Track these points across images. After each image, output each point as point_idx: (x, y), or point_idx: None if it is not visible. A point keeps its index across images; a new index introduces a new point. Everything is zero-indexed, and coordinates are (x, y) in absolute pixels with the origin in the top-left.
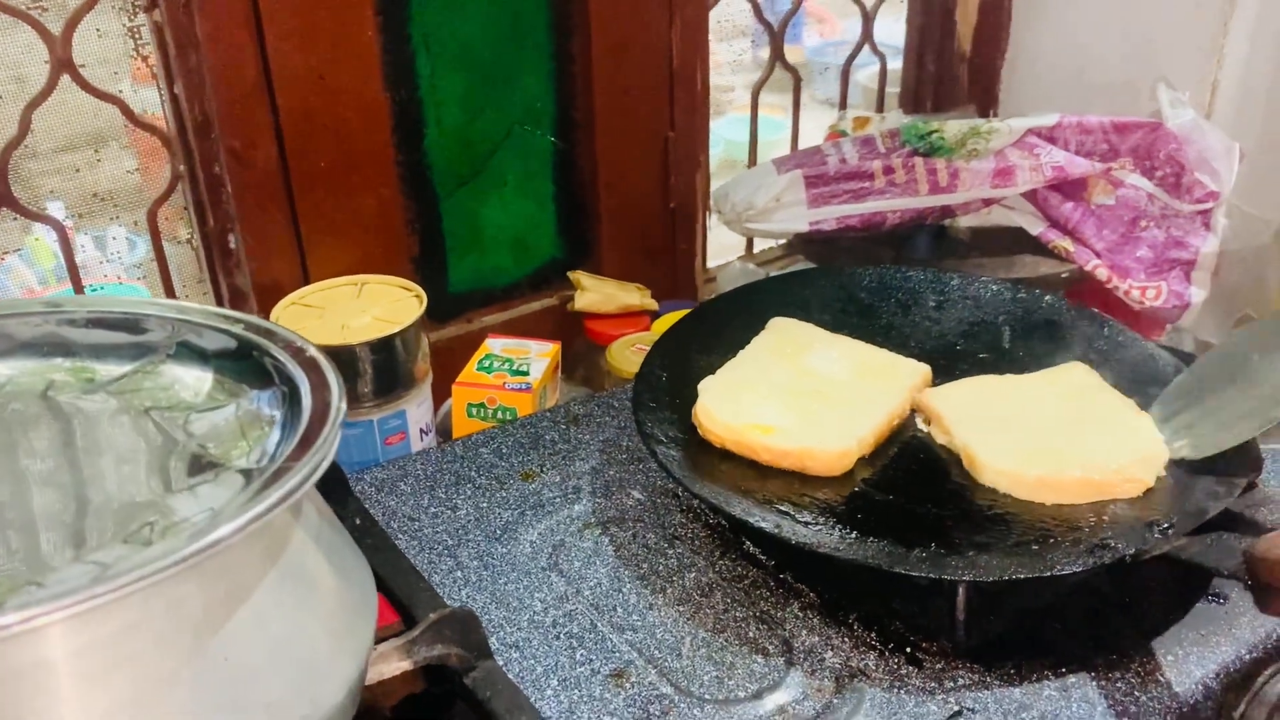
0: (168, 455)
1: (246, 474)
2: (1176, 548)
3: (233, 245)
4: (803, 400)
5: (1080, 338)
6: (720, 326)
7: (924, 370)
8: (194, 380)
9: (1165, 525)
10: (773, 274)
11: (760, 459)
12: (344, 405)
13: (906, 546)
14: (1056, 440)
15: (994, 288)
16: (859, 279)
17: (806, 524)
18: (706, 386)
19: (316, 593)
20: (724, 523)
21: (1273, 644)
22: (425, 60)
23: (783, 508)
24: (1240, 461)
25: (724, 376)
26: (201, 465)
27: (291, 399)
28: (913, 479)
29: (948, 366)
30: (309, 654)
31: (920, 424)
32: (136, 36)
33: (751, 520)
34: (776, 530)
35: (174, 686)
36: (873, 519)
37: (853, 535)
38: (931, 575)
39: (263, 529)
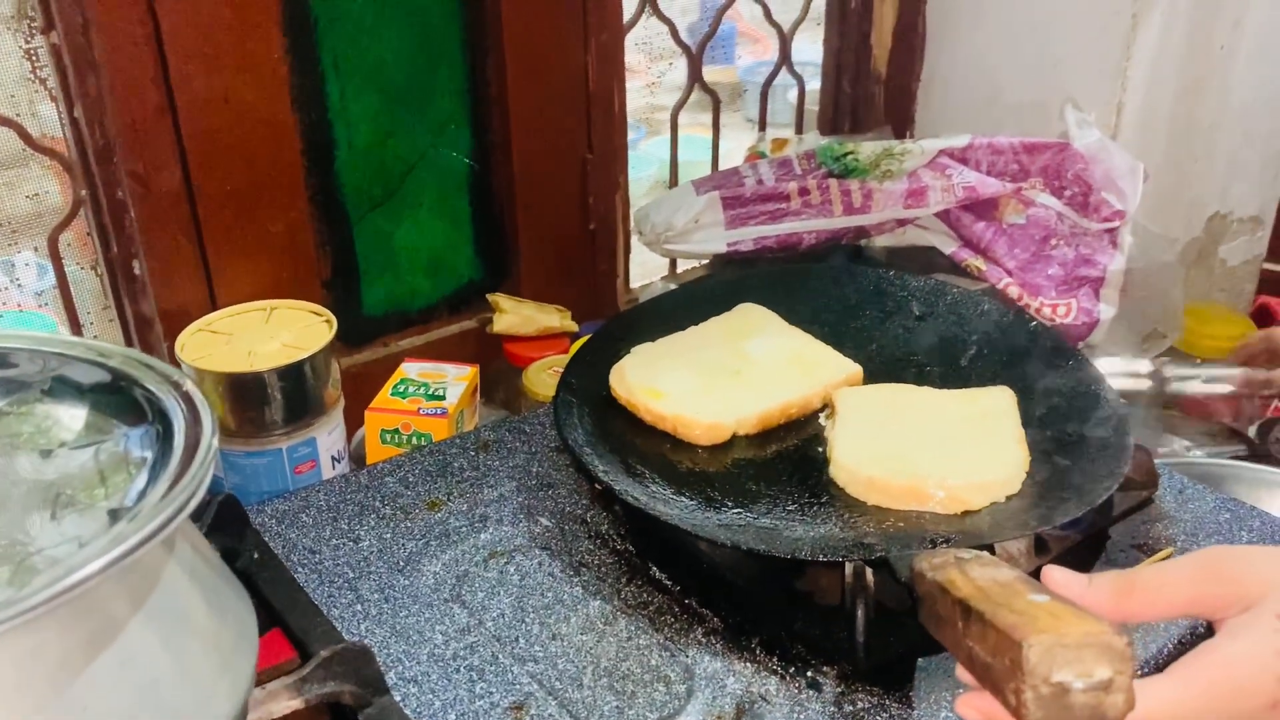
0: (33, 495)
1: (114, 513)
2: (896, 556)
3: (137, 271)
4: (713, 376)
5: (1039, 365)
6: (702, 306)
7: (853, 370)
8: (68, 417)
9: (942, 540)
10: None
11: (644, 420)
12: (216, 442)
13: (715, 512)
14: (913, 450)
15: (985, 306)
16: (856, 279)
17: (646, 483)
18: (635, 350)
19: (189, 632)
20: (630, 548)
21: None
22: (335, 81)
23: (639, 467)
24: (1092, 504)
25: (657, 345)
26: (66, 506)
27: (164, 436)
28: (784, 464)
29: (896, 373)
30: (181, 697)
31: (823, 419)
32: (34, 59)
33: (593, 466)
34: (605, 475)
35: None
36: (719, 491)
37: (687, 500)
38: (691, 532)
39: (130, 567)
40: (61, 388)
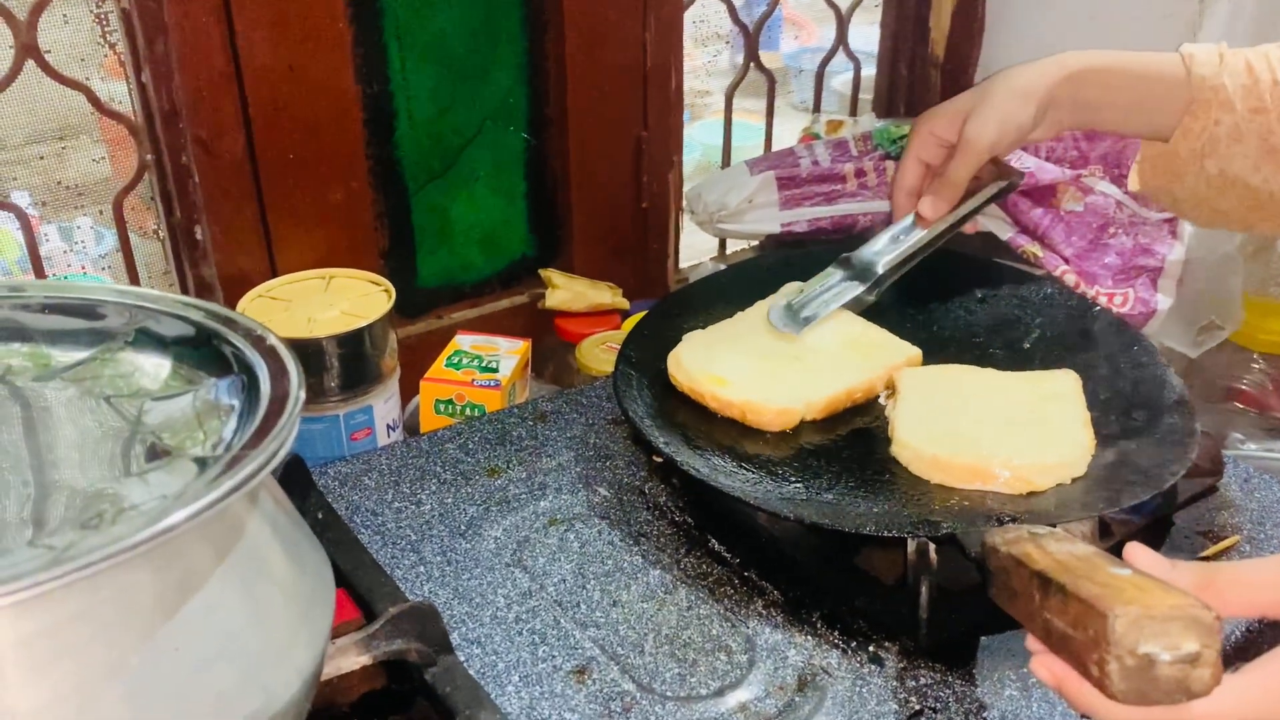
0: (124, 442)
1: (201, 462)
2: (965, 531)
3: (199, 237)
4: (773, 362)
5: (1103, 350)
6: (758, 285)
7: (912, 352)
8: (153, 367)
9: (1008, 519)
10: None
11: (709, 407)
12: (303, 393)
13: (777, 486)
14: (976, 431)
15: (1048, 290)
16: (920, 262)
17: (708, 456)
18: (690, 336)
19: (271, 583)
20: (688, 520)
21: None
22: (397, 53)
23: (700, 442)
24: (1159, 488)
25: (712, 331)
26: (157, 453)
27: (250, 387)
28: (846, 443)
29: (957, 355)
30: (262, 644)
31: (883, 398)
32: (104, 23)
33: (654, 438)
34: (666, 446)
35: (120, 677)
36: (781, 466)
37: (749, 474)
38: (754, 505)
39: (217, 517)
40: (146, 339)
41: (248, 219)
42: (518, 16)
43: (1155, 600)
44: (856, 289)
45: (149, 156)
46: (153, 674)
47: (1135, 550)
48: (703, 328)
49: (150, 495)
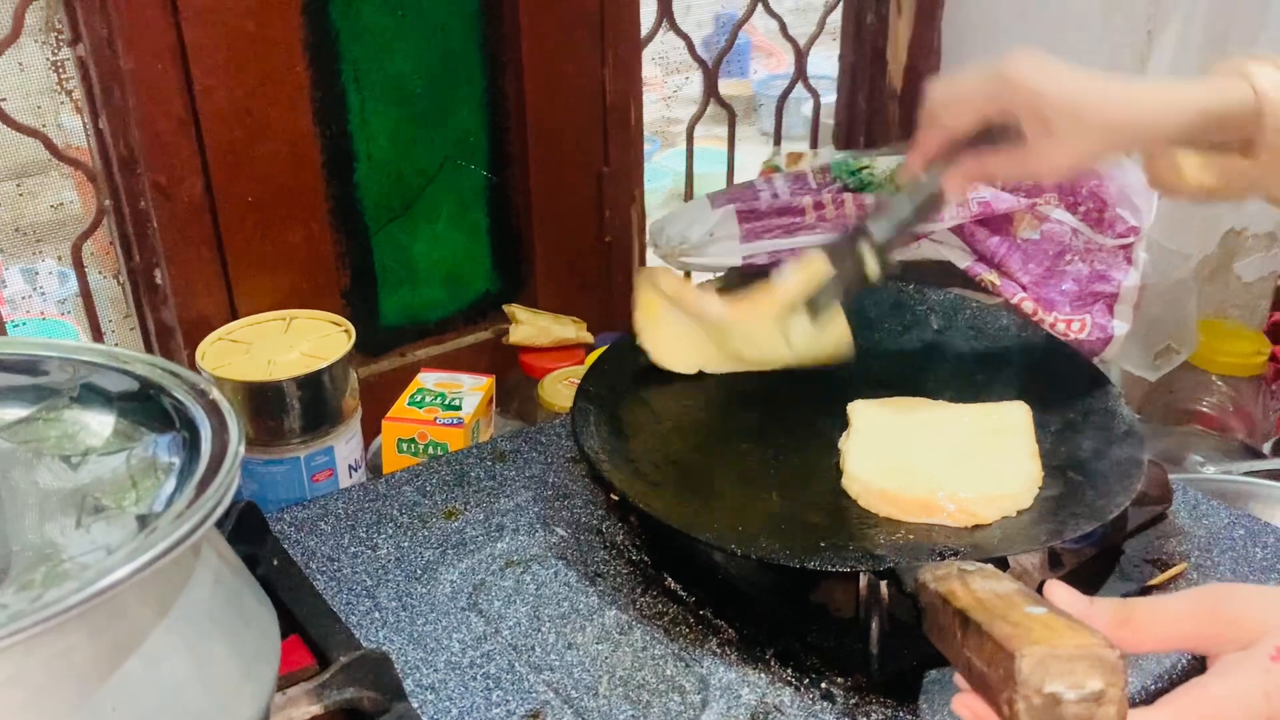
0: (62, 501)
1: (142, 519)
2: (903, 568)
3: (159, 280)
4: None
5: (1055, 381)
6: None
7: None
8: (97, 424)
9: (950, 553)
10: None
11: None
12: (242, 449)
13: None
14: (925, 463)
15: (1003, 320)
16: (874, 292)
17: (661, 491)
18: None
19: (213, 638)
20: (645, 559)
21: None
22: (355, 94)
23: (654, 476)
24: (1103, 520)
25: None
26: (96, 510)
27: (191, 444)
28: (798, 475)
29: (913, 386)
30: (204, 700)
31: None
32: (61, 71)
33: (608, 473)
34: (619, 482)
35: None
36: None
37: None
38: (702, 540)
39: (156, 574)
40: (90, 395)
41: (207, 262)
42: (476, 57)
43: (1062, 639)
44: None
45: (107, 201)
46: None
47: (1054, 588)
48: None
49: (90, 549)
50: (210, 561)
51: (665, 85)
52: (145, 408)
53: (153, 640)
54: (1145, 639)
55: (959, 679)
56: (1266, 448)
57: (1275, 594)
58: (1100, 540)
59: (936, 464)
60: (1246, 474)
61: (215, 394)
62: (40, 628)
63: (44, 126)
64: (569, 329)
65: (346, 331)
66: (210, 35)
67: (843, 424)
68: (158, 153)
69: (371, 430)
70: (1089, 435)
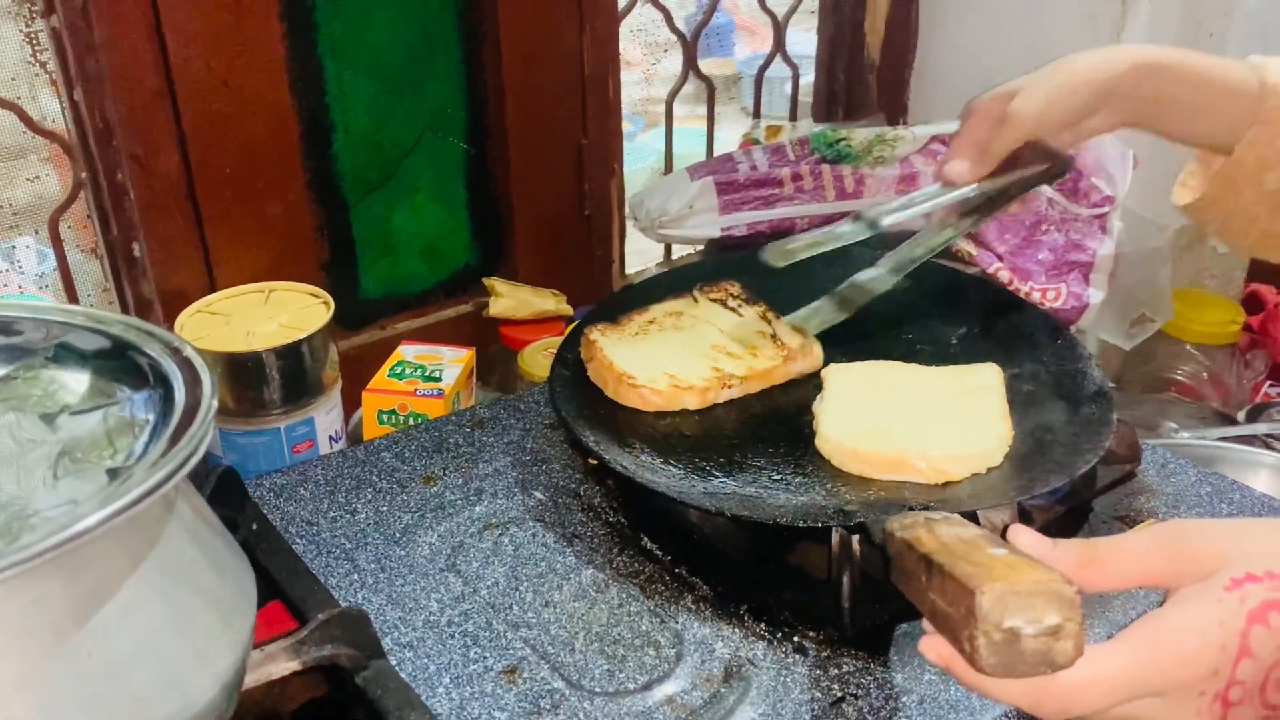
0: (41, 457)
1: (113, 472)
2: (873, 520)
3: (137, 254)
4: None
5: (1028, 345)
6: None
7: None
8: (73, 382)
9: (920, 507)
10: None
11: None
12: (215, 402)
13: (702, 481)
14: (896, 424)
15: (978, 286)
16: (850, 259)
17: (637, 454)
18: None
19: (189, 589)
20: (622, 520)
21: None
22: (332, 65)
23: (631, 440)
24: (1071, 475)
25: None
26: (70, 467)
27: (165, 399)
28: (772, 437)
29: (886, 351)
30: (179, 649)
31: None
32: (35, 43)
33: (585, 436)
34: (596, 445)
35: (32, 685)
36: (708, 462)
37: (675, 470)
38: (677, 499)
39: (130, 524)
40: (65, 354)
41: (185, 235)
42: (454, 29)
43: (1021, 577)
44: (855, 235)
45: (84, 175)
46: (66, 681)
47: (1018, 532)
48: None
49: (60, 501)
50: (185, 516)
51: (646, 63)
52: (120, 365)
53: (128, 589)
54: (1109, 577)
55: (925, 623)
56: (1241, 415)
57: (1232, 527)
58: (1069, 497)
59: (908, 424)
60: (1220, 439)
61: (189, 350)
62: (15, 570)
63: (19, 99)
64: (549, 301)
65: (325, 303)
66: (185, 5)
67: (817, 387)
68: (134, 125)
69: (352, 403)
70: (1060, 396)
